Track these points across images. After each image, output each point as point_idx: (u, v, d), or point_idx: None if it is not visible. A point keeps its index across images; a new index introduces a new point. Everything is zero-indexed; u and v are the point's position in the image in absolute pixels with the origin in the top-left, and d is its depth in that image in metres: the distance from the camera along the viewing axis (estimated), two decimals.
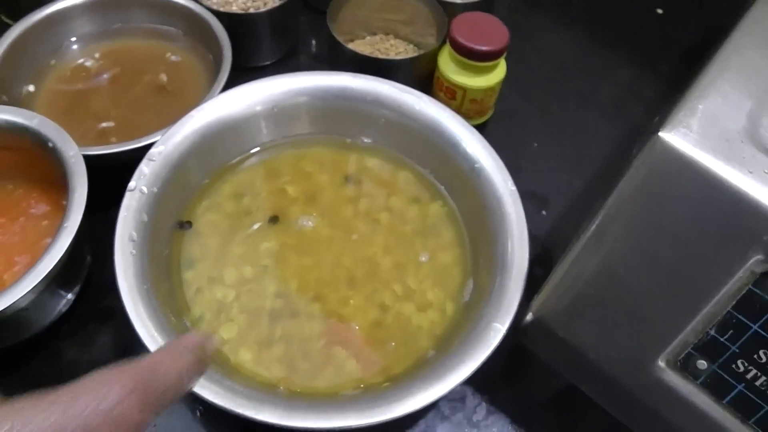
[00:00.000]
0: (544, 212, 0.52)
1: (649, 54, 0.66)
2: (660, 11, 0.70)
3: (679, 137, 0.27)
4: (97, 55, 0.53)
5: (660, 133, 0.27)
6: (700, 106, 0.29)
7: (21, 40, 0.50)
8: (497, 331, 0.34)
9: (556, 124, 0.59)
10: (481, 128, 0.57)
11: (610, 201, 0.29)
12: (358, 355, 0.38)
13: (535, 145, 0.57)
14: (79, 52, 0.53)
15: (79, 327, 0.44)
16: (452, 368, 0.33)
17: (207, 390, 0.32)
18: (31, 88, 0.50)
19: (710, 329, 0.28)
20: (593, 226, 0.30)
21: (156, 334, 0.34)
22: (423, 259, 0.43)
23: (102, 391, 0.21)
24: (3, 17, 0.57)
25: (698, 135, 0.27)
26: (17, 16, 0.51)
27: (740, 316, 0.27)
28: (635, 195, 0.28)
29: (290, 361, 0.38)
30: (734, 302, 0.27)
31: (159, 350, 0.25)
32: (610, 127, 0.59)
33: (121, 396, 0.21)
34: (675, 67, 0.65)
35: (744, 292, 0.27)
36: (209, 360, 0.26)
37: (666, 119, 0.28)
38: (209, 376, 0.33)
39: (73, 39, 0.54)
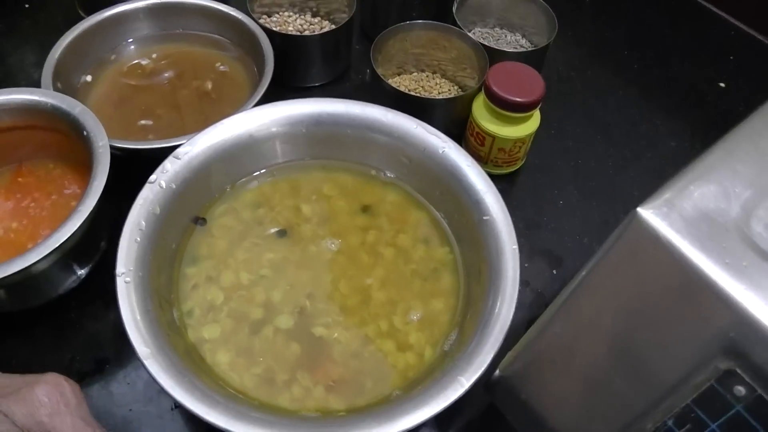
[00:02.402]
0: (555, 271, 0.51)
1: (702, 127, 0.64)
2: (723, 85, 0.68)
3: (658, 216, 0.26)
4: (154, 56, 0.57)
5: (639, 209, 0.27)
6: (692, 188, 0.28)
7: (88, 33, 0.54)
8: (461, 385, 0.33)
9: (589, 186, 0.58)
10: (509, 178, 0.57)
11: (585, 270, 0.29)
12: (327, 383, 0.38)
13: (561, 203, 0.56)
14: (137, 51, 0.57)
15: (86, 304, 0.46)
16: (408, 413, 0.33)
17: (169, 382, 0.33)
18: (89, 78, 0.54)
19: (668, 419, 0.27)
20: (567, 293, 0.30)
21: (139, 318, 0.36)
22: (415, 301, 0.43)
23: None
24: (79, 10, 0.61)
25: (680, 217, 0.26)
26: (91, 11, 0.55)
27: (699, 412, 0.26)
28: (608, 269, 0.28)
29: (262, 374, 0.38)
30: (695, 396, 0.26)
31: None
32: (645, 197, 0.57)
33: None
34: None
35: (705, 387, 0.26)
36: None
37: (651, 195, 0.27)
38: (178, 371, 0.34)
39: (135, 38, 0.57)
